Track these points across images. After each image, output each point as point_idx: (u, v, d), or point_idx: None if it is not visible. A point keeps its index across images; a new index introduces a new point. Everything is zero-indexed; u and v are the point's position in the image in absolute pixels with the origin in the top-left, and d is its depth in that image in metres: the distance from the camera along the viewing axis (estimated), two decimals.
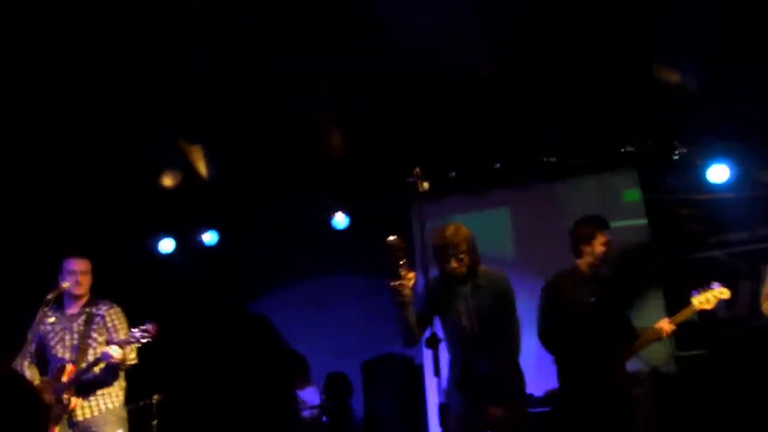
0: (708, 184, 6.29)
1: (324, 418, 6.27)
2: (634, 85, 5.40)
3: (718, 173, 6.22)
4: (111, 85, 5.13)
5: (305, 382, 6.64)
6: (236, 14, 4.67)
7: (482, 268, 4.09)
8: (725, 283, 4.88)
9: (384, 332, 6.19)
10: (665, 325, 4.72)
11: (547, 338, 4.71)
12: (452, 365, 4.09)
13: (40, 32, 4.61)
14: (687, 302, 4.86)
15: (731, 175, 6.21)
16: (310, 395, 6.71)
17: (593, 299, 4.65)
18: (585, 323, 4.60)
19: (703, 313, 6.17)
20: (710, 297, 4.82)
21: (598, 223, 4.79)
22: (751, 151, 6.24)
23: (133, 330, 4.46)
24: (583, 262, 4.76)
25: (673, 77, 5.45)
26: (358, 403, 6.79)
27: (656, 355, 6.04)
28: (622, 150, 6.33)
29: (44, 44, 4.69)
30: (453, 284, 4.03)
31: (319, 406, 6.48)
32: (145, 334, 4.40)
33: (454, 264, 3.95)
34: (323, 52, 4.95)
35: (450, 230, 3.96)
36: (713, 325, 6.26)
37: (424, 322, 3.87)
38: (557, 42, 4.89)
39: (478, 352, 3.99)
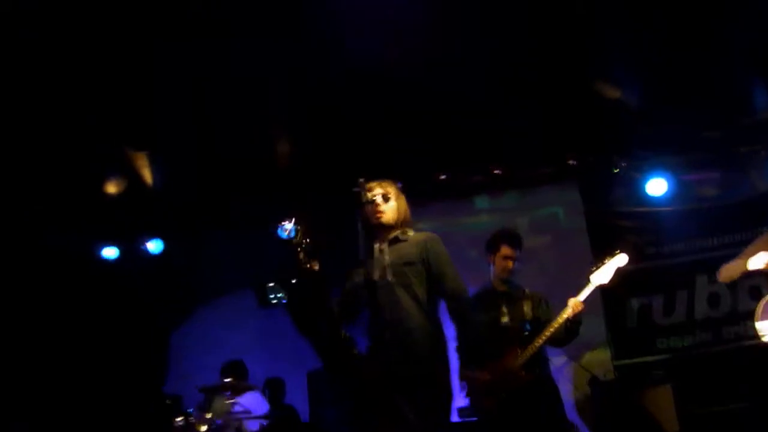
0: (647, 197, 6.49)
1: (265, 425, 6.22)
2: (575, 100, 5.52)
3: (657, 187, 6.42)
4: (55, 88, 5.03)
5: (245, 388, 6.57)
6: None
7: (411, 232, 3.72)
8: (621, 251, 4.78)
9: None
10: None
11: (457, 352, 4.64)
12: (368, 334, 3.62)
13: None
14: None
15: (669, 188, 6.41)
16: (256, 404, 6.64)
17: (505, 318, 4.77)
18: (489, 339, 4.61)
19: (641, 320, 6.46)
20: (607, 269, 4.73)
21: (505, 236, 4.94)
22: (687, 166, 6.46)
23: None
24: (492, 274, 4.92)
25: (614, 93, 5.60)
26: (303, 412, 6.77)
27: (595, 363, 6.19)
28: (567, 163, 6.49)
29: None
30: (373, 242, 3.66)
31: (265, 416, 6.42)
32: None
33: (380, 209, 3.59)
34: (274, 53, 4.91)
35: (378, 181, 3.70)
36: (652, 333, 6.43)
37: (348, 310, 3.57)
38: (502, 57, 4.97)
39: (389, 308, 3.49)
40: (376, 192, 3.65)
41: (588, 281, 4.72)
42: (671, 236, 6.53)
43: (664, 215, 6.53)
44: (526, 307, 4.84)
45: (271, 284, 3.41)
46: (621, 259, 4.77)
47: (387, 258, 3.59)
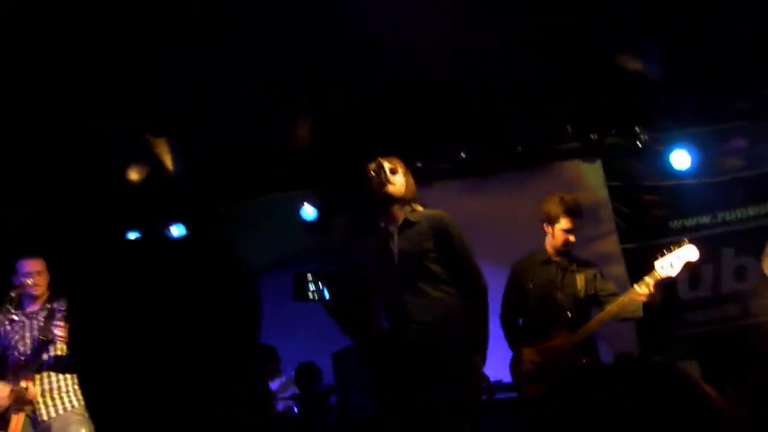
0: (671, 170, 6.39)
1: (295, 409, 6.28)
2: (597, 74, 5.45)
3: (680, 159, 6.32)
4: (75, 79, 5.06)
5: (276, 373, 6.64)
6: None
7: (419, 207, 3.65)
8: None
9: None
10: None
11: (502, 321, 4.60)
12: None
13: None
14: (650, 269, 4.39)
15: (693, 161, 6.31)
16: (283, 387, 6.70)
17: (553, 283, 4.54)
18: (537, 307, 4.51)
19: (666, 295, 6.38)
20: (674, 260, 4.32)
21: (566, 208, 4.54)
22: (712, 138, 6.35)
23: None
24: (547, 243, 4.66)
25: (635, 65, 5.51)
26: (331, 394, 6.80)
27: (618, 340, 6.12)
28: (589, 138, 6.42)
29: None
30: (382, 223, 3.62)
31: (293, 397, 6.48)
32: None
33: (389, 185, 3.51)
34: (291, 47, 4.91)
35: (387, 157, 3.62)
36: (676, 308, 6.35)
37: None
38: (521, 32, 4.91)
39: (406, 298, 3.46)
40: (385, 166, 3.58)
41: (652, 269, 4.37)
42: (696, 209, 6.44)
43: (688, 188, 6.41)
44: (579, 282, 4.55)
45: (310, 276, 3.29)
46: (690, 252, 4.35)
47: (401, 246, 3.49)
